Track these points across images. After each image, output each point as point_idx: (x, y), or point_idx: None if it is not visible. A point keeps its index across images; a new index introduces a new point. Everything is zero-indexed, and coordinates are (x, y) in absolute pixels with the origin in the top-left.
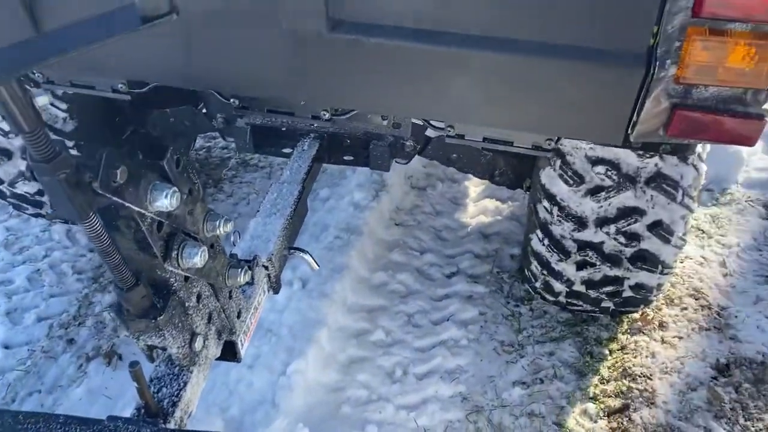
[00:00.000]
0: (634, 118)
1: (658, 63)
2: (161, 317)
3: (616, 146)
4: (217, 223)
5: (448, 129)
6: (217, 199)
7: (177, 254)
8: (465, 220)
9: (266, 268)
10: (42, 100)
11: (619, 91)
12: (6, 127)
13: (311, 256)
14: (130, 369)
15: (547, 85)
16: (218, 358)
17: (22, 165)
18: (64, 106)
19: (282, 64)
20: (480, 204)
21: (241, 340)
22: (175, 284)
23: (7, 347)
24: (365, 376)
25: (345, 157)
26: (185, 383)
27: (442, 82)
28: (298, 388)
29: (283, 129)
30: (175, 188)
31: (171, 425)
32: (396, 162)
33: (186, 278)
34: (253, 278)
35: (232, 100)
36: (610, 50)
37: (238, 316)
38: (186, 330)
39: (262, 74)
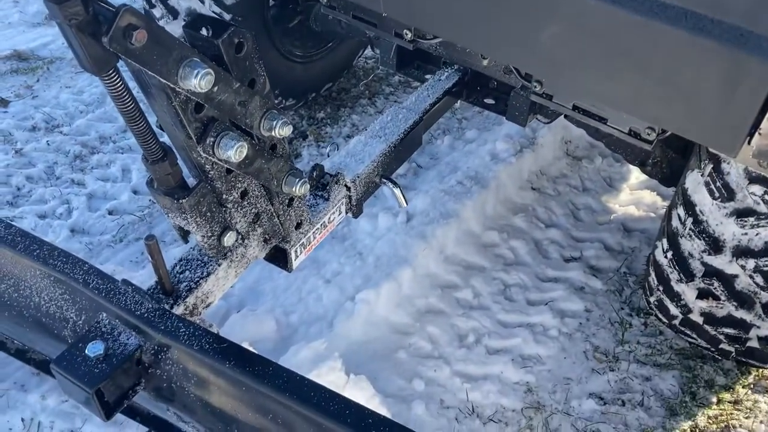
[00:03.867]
0: (760, 128)
1: None
2: (185, 200)
3: (730, 157)
4: (274, 123)
5: (534, 85)
6: (366, 111)
7: (213, 142)
8: (611, 206)
9: (348, 189)
10: None
11: (740, 86)
12: None
13: (401, 191)
14: (146, 241)
15: (649, 57)
16: (270, 262)
17: None
18: None
19: None
20: (636, 193)
21: (295, 251)
22: (212, 172)
23: (135, 192)
24: (436, 330)
25: (485, 100)
26: (208, 274)
27: (530, 24)
28: (360, 317)
29: (432, 53)
30: (210, 71)
31: (179, 309)
32: (537, 119)
33: (228, 170)
34: (329, 194)
35: None
36: (740, 29)
37: (297, 227)
38: (217, 222)
39: None
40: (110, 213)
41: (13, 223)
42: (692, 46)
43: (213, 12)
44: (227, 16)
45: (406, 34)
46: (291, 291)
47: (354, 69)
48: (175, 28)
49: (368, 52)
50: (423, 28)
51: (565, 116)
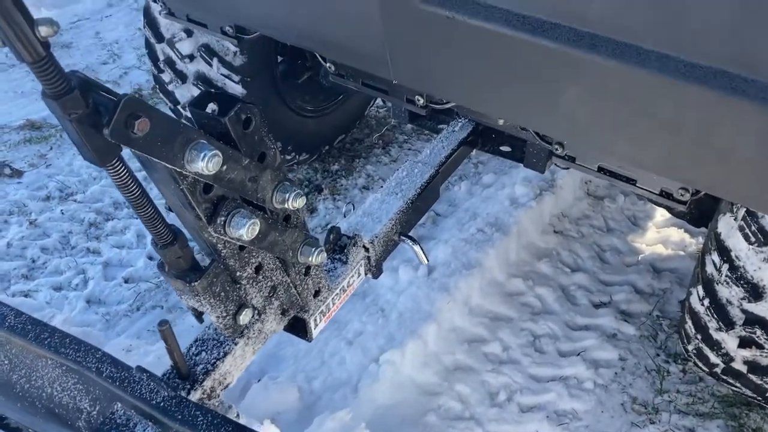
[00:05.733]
0: None
1: None
2: (197, 282)
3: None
4: (287, 196)
5: (556, 147)
6: (380, 161)
7: (224, 221)
8: (638, 246)
9: (366, 249)
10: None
11: None
12: (183, 50)
13: (421, 248)
14: (159, 327)
15: (681, 118)
16: (289, 332)
17: (195, 90)
18: (235, 40)
19: (372, 33)
20: (663, 232)
21: (315, 320)
22: (224, 251)
23: (150, 258)
24: (465, 388)
25: (501, 148)
26: (225, 354)
27: (549, 87)
28: (385, 380)
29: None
30: (217, 152)
31: (197, 394)
32: (555, 165)
33: (241, 247)
34: (347, 257)
35: (328, 65)
36: None
37: (316, 295)
38: (231, 300)
39: (353, 41)
40: (126, 281)
41: (28, 298)
42: (725, 106)
43: (221, 74)
44: (236, 77)
45: (418, 100)
46: (312, 355)
47: (366, 118)
48: (185, 92)
49: (380, 101)
50: (435, 95)
51: None
